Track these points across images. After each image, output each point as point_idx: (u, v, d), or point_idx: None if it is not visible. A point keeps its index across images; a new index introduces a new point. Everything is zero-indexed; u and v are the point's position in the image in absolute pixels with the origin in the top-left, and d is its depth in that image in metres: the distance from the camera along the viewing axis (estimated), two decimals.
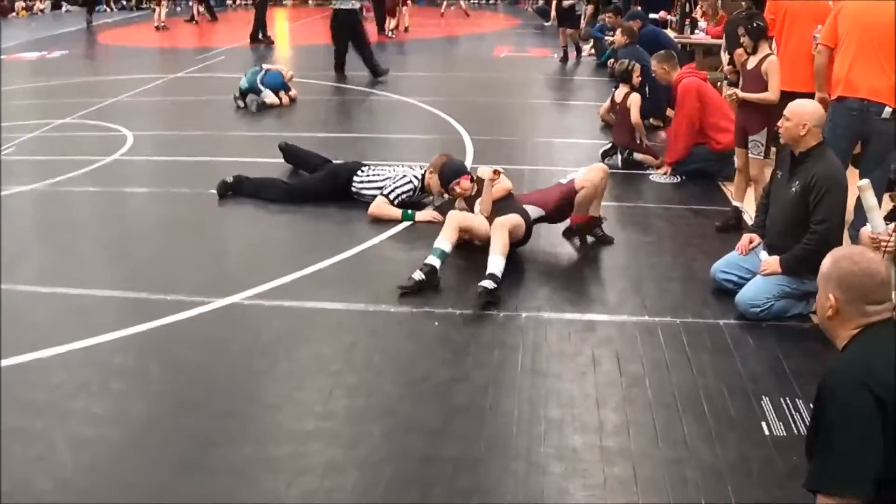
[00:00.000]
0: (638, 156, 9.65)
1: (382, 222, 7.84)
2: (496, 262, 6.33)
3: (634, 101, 9.67)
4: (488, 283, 6.18)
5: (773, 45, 7.92)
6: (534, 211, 7.13)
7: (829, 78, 7.07)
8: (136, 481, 4.29)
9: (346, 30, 15.89)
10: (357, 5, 16.00)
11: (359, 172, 8.47)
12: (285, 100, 13.52)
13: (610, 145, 9.93)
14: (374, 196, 8.12)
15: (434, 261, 6.49)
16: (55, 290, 6.59)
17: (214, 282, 6.64)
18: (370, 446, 4.53)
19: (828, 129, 6.95)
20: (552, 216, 7.28)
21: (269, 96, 13.27)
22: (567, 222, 7.36)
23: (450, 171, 7.38)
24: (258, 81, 13.35)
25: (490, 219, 6.81)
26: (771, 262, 5.96)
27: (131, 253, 7.52)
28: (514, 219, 6.77)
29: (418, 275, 6.40)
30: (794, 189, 5.82)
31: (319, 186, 8.63)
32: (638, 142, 9.74)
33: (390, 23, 22.98)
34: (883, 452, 2.75)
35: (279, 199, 8.51)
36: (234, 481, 4.27)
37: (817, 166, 5.76)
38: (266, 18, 20.84)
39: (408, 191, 8.17)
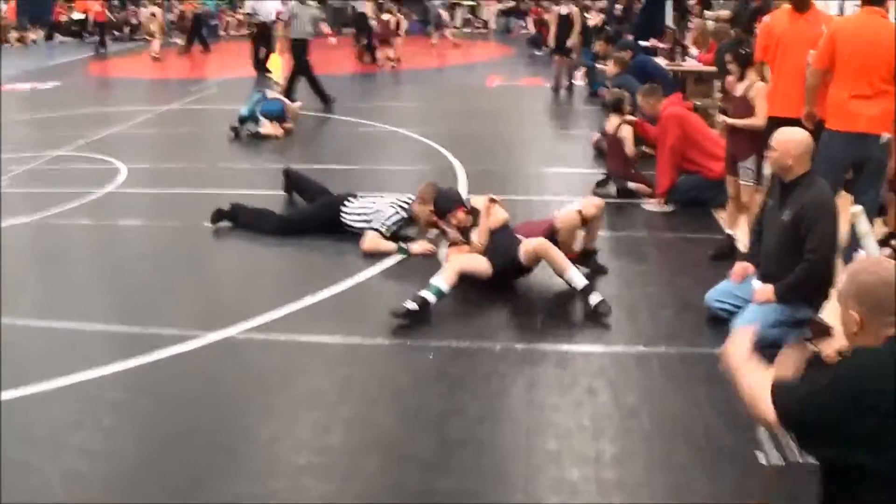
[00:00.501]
0: (632, 185, 9.68)
1: (376, 255, 7.83)
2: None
3: (627, 132, 9.71)
4: (410, 304, 6.35)
5: (768, 72, 7.93)
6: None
7: (820, 97, 7.05)
8: None
9: (300, 58, 16.08)
10: (309, 35, 16.06)
11: (346, 203, 8.43)
12: (279, 131, 13.48)
13: (604, 176, 9.96)
14: (363, 229, 8.12)
15: (429, 296, 6.48)
16: (48, 323, 6.58)
17: (208, 315, 6.62)
18: (365, 480, 4.52)
19: (822, 157, 6.97)
20: None
21: (265, 126, 13.28)
22: None
23: (446, 201, 7.41)
24: (256, 110, 13.38)
25: (488, 253, 6.89)
26: (765, 290, 5.96)
27: (124, 286, 7.52)
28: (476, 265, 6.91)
29: (412, 305, 6.40)
30: (785, 218, 5.82)
31: (313, 218, 8.63)
32: (632, 171, 9.77)
33: (387, 52, 23.06)
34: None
35: (273, 230, 8.49)
36: None
37: (807, 195, 5.75)
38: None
39: (397, 220, 8.19)
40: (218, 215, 8.71)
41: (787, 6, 7.77)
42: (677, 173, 9.26)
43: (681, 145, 9.17)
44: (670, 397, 5.27)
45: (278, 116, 13.60)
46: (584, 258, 7.23)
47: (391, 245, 7.95)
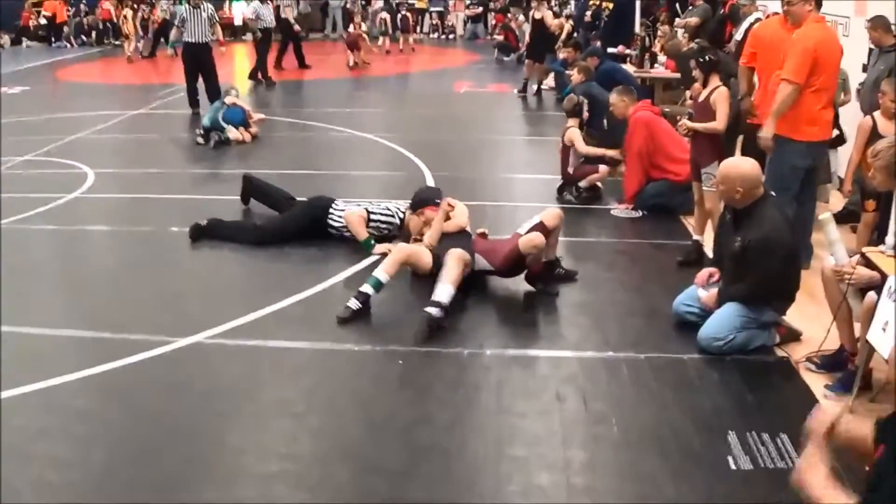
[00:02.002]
0: (585, 183, 9.77)
1: (345, 258, 7.82)
2: (444, 291, 6.40)
3: (573, 134, 9.83)
4: (433, 310, 6.26)
5: (756, 80, 8.00)
6: (480, 262, 7.10)
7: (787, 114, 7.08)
8: None
9: (195, 63, 15.80)
10: (208, 39, 15.84)
11: (334, 206, 8.42)
12: (246, 136, 13.44)
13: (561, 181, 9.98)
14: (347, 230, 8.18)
15: (368, 289, 6.60)
16: (14, 329, 6.49)
17: (176, 321, 6.59)
18: (335, 489, 4.51)
19: (787, 169, 7.04)
20: (502, 272, 7.12)
21: (231, 132, 13.22)
22: None
23: (420, 198, 7.46)
24: (220, 118, 13.32)
25: (436, 251, 6.97)
26: (710, 296, 6.11)
27: (91, 292, 7.46)
28: (466, 255, 6.87)
29: (354, 303, 6.52)
30: (736, 245, 5.91)
31: (294, 225, 8.53)
32: (573, 171, 9.86)
33: (355, 55, 23.06)
34: None
35: (252, 241, 8.39)
36: None
37: (754, 229, 5.82)
38: (267, 57, 20.54)
39: (387, 220, 8.22)
40: (196, 231, 8.58)
41: (777, 15, 7.84)
42: (645, 178, 9.30)
43: (647, 149, 9.23)
44: (639, 403, 5.30)
45: (241, 122, 13.55)
46: (550, 267, 7.21)
47: (363, 232, 7.98)
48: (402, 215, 8.29)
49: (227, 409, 5.32)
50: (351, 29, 24.31)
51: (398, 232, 8.31)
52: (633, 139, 9.29)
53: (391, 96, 19.12)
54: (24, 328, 6.54)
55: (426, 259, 6.99)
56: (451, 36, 33.51)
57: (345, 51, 23.77)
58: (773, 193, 6.15)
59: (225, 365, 5.94)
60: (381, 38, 27.41)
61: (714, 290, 6.12)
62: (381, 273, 6.66)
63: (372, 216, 8.16)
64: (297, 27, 23.32)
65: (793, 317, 6.14)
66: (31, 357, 6.10)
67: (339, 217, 8.29)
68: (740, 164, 6.07)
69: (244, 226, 8.80)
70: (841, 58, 7.16)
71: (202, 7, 15.51)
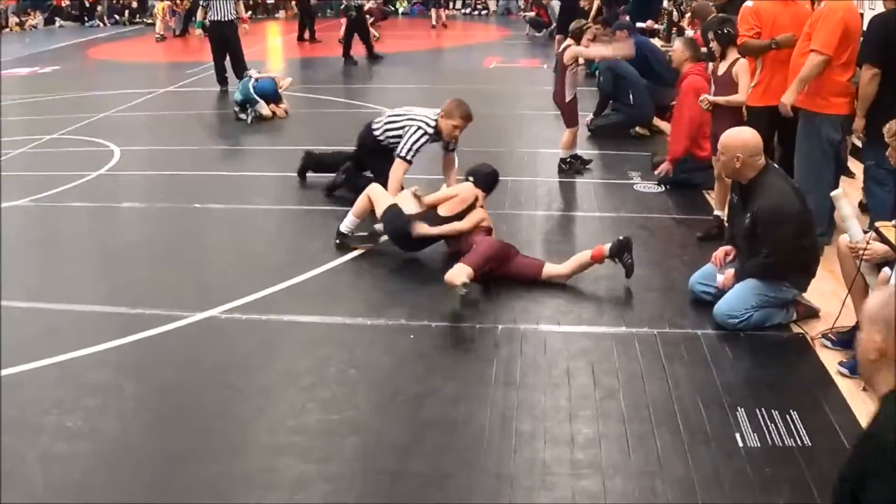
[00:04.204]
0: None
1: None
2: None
3: (574, 49, 9.73)
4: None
5: (760, 61, 7.84)
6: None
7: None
8: (106, 498, 4.27)
9: (221, 41, 15.89)
10: (232, 17, 15.92)
11: (373, 124, 8.68)
12: (279, 112, 13.42)
13: (570, 157, 9.91)
14: (396, 139, 8.31)
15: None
16: (33, 304, 6.58)
17: (193, 296, 6.64)
18: (341, 461, 4.52)
19: (825, 143, 6.94)
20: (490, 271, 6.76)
21: (263, 107, 13.22)
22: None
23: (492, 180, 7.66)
24: (251, 90, 13.32)
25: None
26: (727, 277, 6.01)
27: (111, 268, 7.53)
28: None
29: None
30: (746, 220, 5.83)
31: (359, 156, 9.00)
32: (566, 101, 9.80)
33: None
34: None
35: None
36: (204, 496, 4.26)
37: (761, 199, 5.74)
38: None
39: (422, 141, 8.19)
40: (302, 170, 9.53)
41: None
42: (690, 142, 9.12)
43: (698, 117, 8.94)
44: (650, 379, 5.25)
45: (273, 93, 13.52)
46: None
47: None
48: (431, 124, 8.25)
49: (237, 382, 5.36)
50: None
51: (435, 139, 8.33)
52: (685, 103, 9.02)
53: (421, 71, 19.04)
54: (43, 304, 6.61)
55: (382, 203, 7.27)
56: (483, 11, 33.42)
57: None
58: (776, 166, 6.07)
59: (237, 339, 5.97)
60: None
61: (730, 271, 6.03)
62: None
63: (405, 153, 8.15)
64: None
65: (812, 294, 6.05)
66: (47, 332, 6.16)
67: (385, 134, 8.56)
68: (740, 133, 6.00)
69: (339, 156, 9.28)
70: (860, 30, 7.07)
71: None
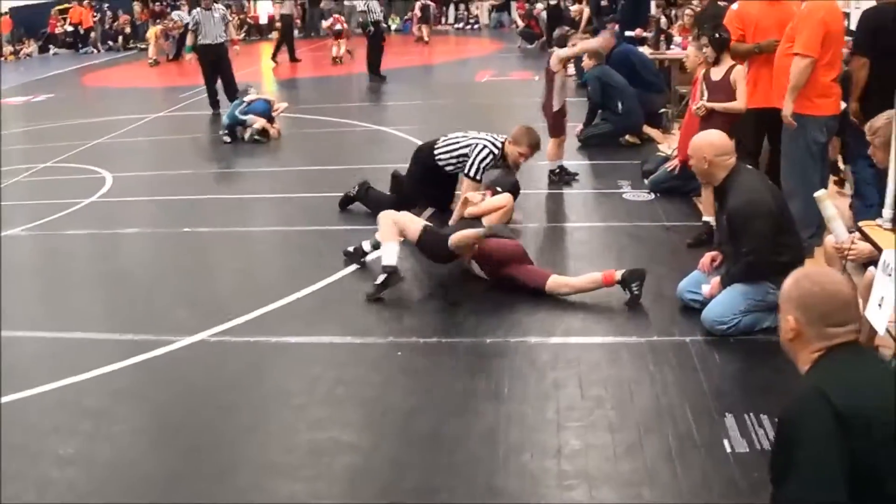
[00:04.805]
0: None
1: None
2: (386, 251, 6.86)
3: (561, 52, 9.76)
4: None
5: (747, 64, 7.86)
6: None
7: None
8: None
9: (212, 63, 15.88)
10: (223, 39, 15.90)
11: (435, 147, 8.49)
12: (272, 132, 13.47)
13: (557, 168, 9.93)
14: (458, 164, 8.27)
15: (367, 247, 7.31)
16: (26, 333, 6.61)
17: (184, 319, 6.65)
18: (331, 480, 4.53)
19: (811, 145, 6.95)
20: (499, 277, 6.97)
21: (257, 121, 13.28)
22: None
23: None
24: (238, 114, 13.38)
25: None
26: (713, 285, 6.01)
27: (102, 295, 7.56)
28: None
29: (380, 278, 6.75)
30: (724, 222, 5.86)
31: (415, 181, 8.66)
32: (554, 110, 9.80)
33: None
34: (847, 473, 2.63)
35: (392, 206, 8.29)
36: None
37: (733, 199, 5.77)
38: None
39: (488, 160, 8.16)
40: (345, 200, 9.16)
41: None
42: None
43: None
44: (638, 387, 5.25)
45: (265, 115, 13.57)
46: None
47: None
48: (498, 146, 8.21)
49: (228, 404, 5.37)
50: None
51: (500, 163, 8.32)
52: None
53: (412, 88, 19.04)
54: (35, 332, 6.65)
55: (412, 230, 7.00)
56: (475, 25, 33.52)
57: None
58: (748, 167, 6.10)
59: (227, 361, 5.98)
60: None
61: (716, 280, 6.03)
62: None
63: (473, 172, 8.13)
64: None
65: None
66: (42, 359, 6.21)
67: (446, 157, 8.40)
68: (707, 135, 6.06)
69: (383, 197, 8.87)
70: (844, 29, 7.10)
71: (213, 8, 15.63)
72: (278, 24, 24.79)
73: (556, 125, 9.84)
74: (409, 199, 8.41)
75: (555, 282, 6.70)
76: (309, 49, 24.29)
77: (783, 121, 7.00)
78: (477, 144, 8.18)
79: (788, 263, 5.83)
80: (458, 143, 8.36)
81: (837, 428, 2.63)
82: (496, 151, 8.15)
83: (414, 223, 7.03)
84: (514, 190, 8.10)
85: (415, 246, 7.09)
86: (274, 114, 13.81)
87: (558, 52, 9.70)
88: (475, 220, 7.33)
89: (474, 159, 8.10)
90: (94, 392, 5.65)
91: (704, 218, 7.83)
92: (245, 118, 13.31)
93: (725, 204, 5.85)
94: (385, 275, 6.71)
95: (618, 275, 6.53)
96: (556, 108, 9.75)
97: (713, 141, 5.88)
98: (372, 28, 19.60)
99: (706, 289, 6.05)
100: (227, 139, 13.31)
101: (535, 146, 8.05)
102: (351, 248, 7.43)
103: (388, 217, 6.99)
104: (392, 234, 6.86)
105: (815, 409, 2.68)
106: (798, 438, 2.70)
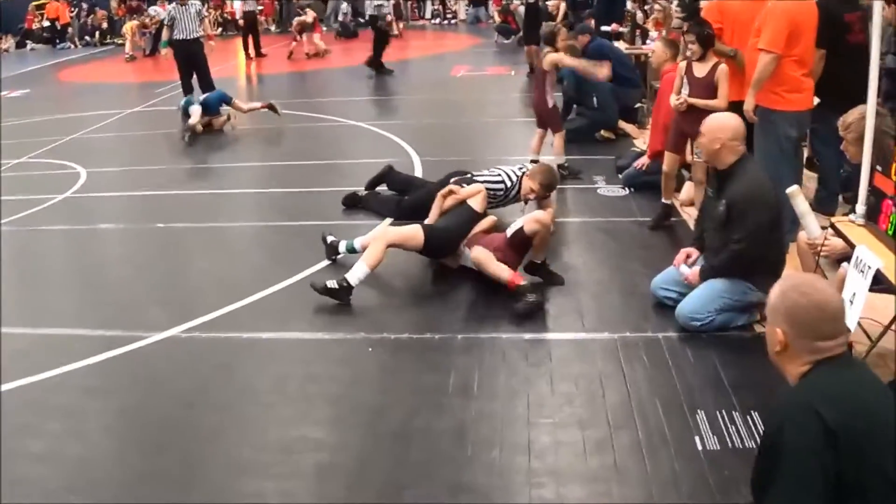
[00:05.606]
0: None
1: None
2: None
3: (554, 56, 9.66)
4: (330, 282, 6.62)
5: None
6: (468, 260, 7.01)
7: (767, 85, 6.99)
8: None
9: (187, 59, 15.71)
10: (198, 35, 15.71)
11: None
12: (216, 123, 13.64)
13: (566, 162, 9.89)
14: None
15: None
16: None
17: (155, 315, 6.61)
18: (300, 477, 4.53)
19: (782, 140, 6.95)
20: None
21: (194, 115, 13.41)
22: None
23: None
24: (185, 104, 13.72)
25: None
26: (693, 273, 5.98)
27: (73, 290, 7.52)
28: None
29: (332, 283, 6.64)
30: (721, 208, 5.80)
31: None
32: (549, 107, 9.79)
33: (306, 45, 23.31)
34: (831, 488, 2.61)
35: (393, 214, 8.26)
36: None
37: (738, 185, 5.74)
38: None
39: (497, 187, 7.93)
40: (350, 199, 8.99)
41: None
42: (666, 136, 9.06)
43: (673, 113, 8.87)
44: (608, 384, 5.25)
45: (214, 105, 13.78)
46: (536, 269, 6.99)
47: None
48: (514, 179, 8.01)
49: (198, 401, 5.35)
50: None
51: (512, 198, 8.06)
52: (664, 100, 8.86)
53: (387, 83, 18.96)
54: (3, 328, 6.56)
55: (416, 241, 6.91)
56: (453, 20, 33.44)
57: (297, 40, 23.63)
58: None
59: (197, 358, 5.96)
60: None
61: (696, 268, 6.03)
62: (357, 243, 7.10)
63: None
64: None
65: None
66: (9, 355, 6.11)
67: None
68: (725, 116, 6.05)
69: (391, 200, 8.80)
70: (815, 21, 7.05)
71: (189, 3, 15.53)
72: (241, 21, 24.64)
73: (556, 121, 9.92)
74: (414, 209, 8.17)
75: (483, 254, 6.71)
76: (284, 45, 24.14)
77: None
78: (495, 171, 8.08)
79: (771, 263, 5.85)
80: (487, 173, 8.10)
81: (826, 444, 2.60)
82: (508, 184, 7.99)
83: (413, 234, 6.94)
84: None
85: (420, 252, 7.02)
86: (237, 108, 13.96)
87: (553, 56, 9.65)
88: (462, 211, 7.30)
89: (487, 177, 7.98)
90: (64, 389, 5.62)
91: (663, 200, 7.95)
92: (191, 109, 13.44)
93: (726, 189, 5.82)
94: (339, 288, 6.58)
95: (523, 282, 6.56)
96: (550, 104, 9.77)
97: (731, 124, 5.84)
98: (380, 23, 19.65)
99: (687, 270, 6.04)
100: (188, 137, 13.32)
101: (547, 187, 7.60)
102: (329, 238, 7.40)
103: (382, 242, 6.82)
104: (373, 259, 6.70)
105: (802, 422, 2.65)
106: (783, 450, 2.67)
